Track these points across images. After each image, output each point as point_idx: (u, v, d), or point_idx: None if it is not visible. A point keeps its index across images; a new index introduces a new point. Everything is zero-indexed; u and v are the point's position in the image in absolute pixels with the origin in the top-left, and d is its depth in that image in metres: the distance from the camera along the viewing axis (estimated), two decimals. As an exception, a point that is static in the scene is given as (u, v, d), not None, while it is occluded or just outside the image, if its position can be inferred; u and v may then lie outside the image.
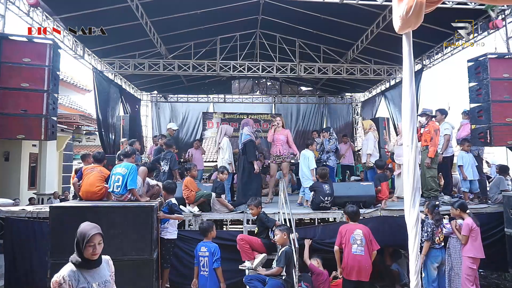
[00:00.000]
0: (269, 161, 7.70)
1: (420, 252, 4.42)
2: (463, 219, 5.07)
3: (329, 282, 5.22)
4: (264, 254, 4.88)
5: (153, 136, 9.90)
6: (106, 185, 4.99)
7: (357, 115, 15.01)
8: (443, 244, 5.17)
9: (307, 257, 5.34)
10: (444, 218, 5.35)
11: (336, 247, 4.92)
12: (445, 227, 5.24)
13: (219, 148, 7.39)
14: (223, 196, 6.17)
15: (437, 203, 5.46)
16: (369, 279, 4.80)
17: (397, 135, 10.40)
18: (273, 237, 4.90)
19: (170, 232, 5.11)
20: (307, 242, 5.46)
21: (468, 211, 5.13)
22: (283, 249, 4.55)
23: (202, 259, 4.79)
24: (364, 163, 8.57)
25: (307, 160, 7.02)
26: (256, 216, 5.27)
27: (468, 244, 4.95)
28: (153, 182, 6.03)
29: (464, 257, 4.99)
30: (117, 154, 6.70)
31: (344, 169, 10.13)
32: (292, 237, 4.65)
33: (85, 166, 5.38)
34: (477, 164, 6.97)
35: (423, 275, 5.09)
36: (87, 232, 2.40)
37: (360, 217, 6.00)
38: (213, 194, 6.10)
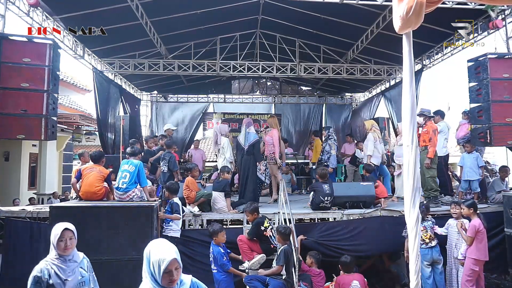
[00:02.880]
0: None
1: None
2: (470, 219, 5.04)
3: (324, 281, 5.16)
4: (262, 254, 4.89)
5: (146, 138, 9.52)
6: (105, 185, 5.01)
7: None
8: (433, 243, 5.17)
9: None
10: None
11: None
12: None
13: (220, 148, 7.33)
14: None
15: (423, 201, 5.46)
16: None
17: (396, 135, 10.37)
18: (274, 241, 4.91)
19: (174, 230, 5.16)
20: (299, 239, 5.41)
21: (478, 211, 5.10)
22: (282, 247, 4.55)
23: (211, 257, 4.85)
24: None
25: None
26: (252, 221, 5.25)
27: (472, 246, 4.91)
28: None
29: (467, 257, 4.97)
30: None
31: None
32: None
33: (84, 167, 5.38)
34: (482, 164, 6.97)
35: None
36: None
37: (360, 217, 6.02)
38: (214, 194, 6.10)
